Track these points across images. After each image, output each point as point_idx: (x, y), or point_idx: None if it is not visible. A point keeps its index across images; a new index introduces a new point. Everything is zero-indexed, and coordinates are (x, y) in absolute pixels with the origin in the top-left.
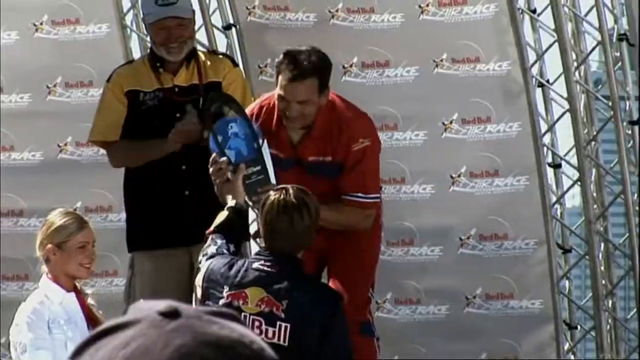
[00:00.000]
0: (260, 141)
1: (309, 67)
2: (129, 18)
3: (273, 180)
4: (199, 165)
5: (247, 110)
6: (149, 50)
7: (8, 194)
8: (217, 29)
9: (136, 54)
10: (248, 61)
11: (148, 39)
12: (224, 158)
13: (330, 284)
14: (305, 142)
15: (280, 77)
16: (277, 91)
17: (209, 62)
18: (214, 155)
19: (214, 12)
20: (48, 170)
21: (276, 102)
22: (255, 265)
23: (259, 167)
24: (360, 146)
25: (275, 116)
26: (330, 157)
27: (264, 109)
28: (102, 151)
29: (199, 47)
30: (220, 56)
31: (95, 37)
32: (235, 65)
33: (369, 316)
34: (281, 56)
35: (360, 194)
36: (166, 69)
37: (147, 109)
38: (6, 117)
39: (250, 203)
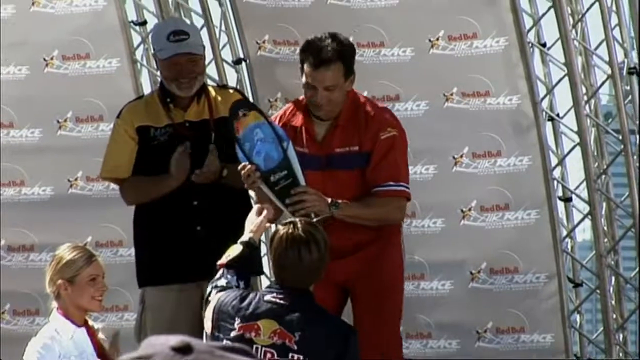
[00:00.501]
0: (285, 144)
1: (334, 53)
2: (139, 53)
3: (302, 181)
4: (210, 201)
5: (273, 116)
6: (158, 86)
7: (19, 229)
8: (227, 63)
9: (147, 88)
10: (258, 95)
11: (158, 73)
12: (250, 166)
13: (358, 321)
14: (332, 133)
15: (305, 66)
16: (303, 80)
17: (219, 97)
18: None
19: (224, 46)
20: (58, 205)
21: (303, 92)
22: (267, 297)
23: (285, 172)
24: (389, 135)
25: (301, 113)
26: (358, 147)
27: (290, 109)
28: (113, 186)
29: (209, 82)
30: (231, 91)
31: (106, 71)
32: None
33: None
34: (304, 44)
35: (391, 183)
36: (177, 105)
37: (157, 144)
38: (17, 152)
39: (285, 209)
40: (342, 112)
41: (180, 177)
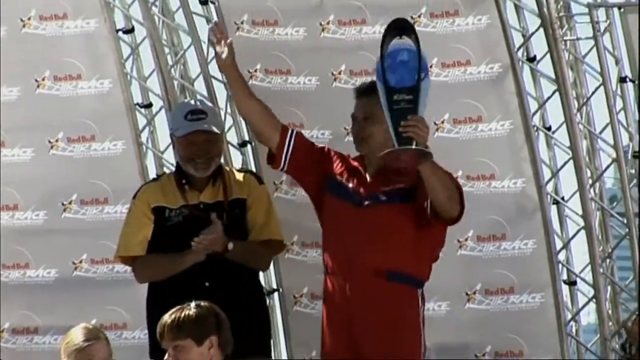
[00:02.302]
0: (423, 75)
1: (375, 86)
2: (144, 135)
3: (421, 112)
4: (221, 282)
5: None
6: (175, 167)
7: (23, 312)
8: (233, 146)
9: (152, 171)
10: (264, 178)
11: (164, 156)
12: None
13: None
14: (380, 174)
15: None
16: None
17: (234, 179)
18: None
19: (229, 129)
20: (63, 287)
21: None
22: None
23: (411, 97)
24: None
25: (356, 164)
26: (403, 184)
27: (344, 155)
28: (117, 268)
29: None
30: (246, 173)
31: (111, 154)
32: (261, 182)
33: None
34: None
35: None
36: (192, 186)
37: (172, 225)
38: (22, 234)
39: (390, 127)
40: None
41: (198, 255)
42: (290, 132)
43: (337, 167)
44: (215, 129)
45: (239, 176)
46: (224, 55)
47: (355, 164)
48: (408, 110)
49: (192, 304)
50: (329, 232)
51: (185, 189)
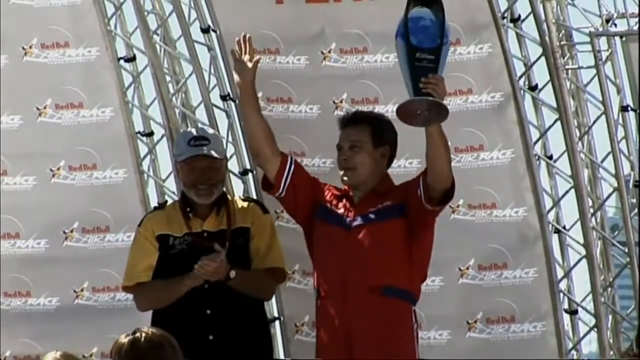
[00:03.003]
0: (445, 40)
1: (363, 115)
2: (146, 163)
3: (441, 73)
4: (223, 310)
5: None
6: (180, 195)
7: (25, 340)
8: (234, 174)
9: (153, 199)
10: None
11: (165, 184)
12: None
13: None
14: (367, 197)
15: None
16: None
17: (238, 208)
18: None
19: (231, 157)
20: (64, 315)
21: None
22: None
23: (432, 57)
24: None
25: (343, 190)
26: (390, 202)
27: (331, 185)
28: (119, 296)
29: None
30: (251, 203)
31: (112, 182)
32: (266, 212)
33: None
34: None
35: None
36: (196, 214)
37: (176, 253)
38: (23, 262)
39: (410, 81)
40: (384, 181)
41: (197, 280)
42: (290, 159)
43: (327, 195)
44: (216, 155)
45: (243, 205)
46: (245, 71)
47: (344, 189)
48: (430, 69)
49: (141, 331)
50: (320, 257)
51: (190, 216)
